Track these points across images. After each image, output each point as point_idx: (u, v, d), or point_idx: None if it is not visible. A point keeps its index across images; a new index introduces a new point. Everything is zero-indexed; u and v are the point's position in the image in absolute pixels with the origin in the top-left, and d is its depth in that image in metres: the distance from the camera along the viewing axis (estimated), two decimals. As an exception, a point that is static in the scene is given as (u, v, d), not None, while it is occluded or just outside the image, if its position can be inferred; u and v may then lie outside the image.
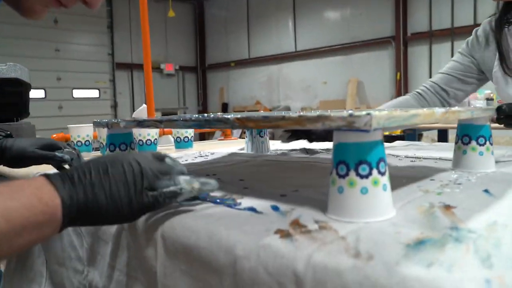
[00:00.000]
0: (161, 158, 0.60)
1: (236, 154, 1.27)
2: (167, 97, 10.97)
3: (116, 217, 0.54)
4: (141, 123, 0.86)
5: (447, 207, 0.57)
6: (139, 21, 9.79)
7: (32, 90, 1.91)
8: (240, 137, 4.07)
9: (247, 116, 0.64)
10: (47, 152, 0.95)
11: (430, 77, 6.91)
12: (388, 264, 0.38)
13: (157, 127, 0.85)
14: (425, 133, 5.98)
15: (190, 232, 0.54)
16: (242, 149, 1.40)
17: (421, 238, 0.44)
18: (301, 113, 0.57)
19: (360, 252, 0.41)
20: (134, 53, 10.78)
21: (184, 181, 0.58)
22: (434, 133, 4.52)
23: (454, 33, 7.35)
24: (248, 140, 1.32)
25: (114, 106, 10.68)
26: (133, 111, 11.07)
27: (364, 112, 0.51)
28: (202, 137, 7.82)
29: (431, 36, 7.74)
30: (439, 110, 0.68)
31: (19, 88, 1.77)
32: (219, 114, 0.72)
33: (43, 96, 9.08)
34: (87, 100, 10.07)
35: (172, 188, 0.56)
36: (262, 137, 1.31)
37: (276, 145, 1.49)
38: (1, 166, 0.98)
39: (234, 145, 1.64)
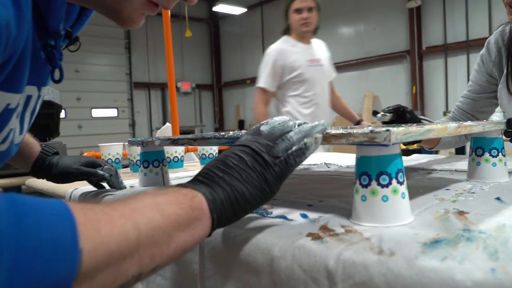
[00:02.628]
0: (257, 132, 0.60)
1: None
2: (184, 115, 11.15)
3: (260, 198, 0.56)
4: (175, 141, 0.93)
5: (461, 213, 0.63)
6: (156, 41, 9.92)
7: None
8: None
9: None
10: (89, 169, 1.03)
11: (447, 90, 6.87)
12: (408, 258, 0.44)
13: (191, 145, 0.92)
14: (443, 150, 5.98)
15: (229, 237, 0.61)
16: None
17: (436, 238, 0.51)
18: (327, 130, 0.64)
19: (383, 250, 0.48)
20: (151, 73, 11.01)
21: (296, 136, 0.59)
22: (452, 150, 4.53)
23: (469, 46, 7.38)
24: (271, 156, 1.39)
25: (132, 125, 10.89)
26: (151, 129, 11.24)
27: (383, 129, 0.57)
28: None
29: (446, 49, 7.79)
30: (452, 125, 0.74)
31: (51, 110, 1.88)
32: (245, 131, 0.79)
33: (64, 116, 9.30)
34: (106, 119, 10.30)
35: (296, 147, 0.58)
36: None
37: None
38: (47, 181, 1.06)
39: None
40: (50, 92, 1.87)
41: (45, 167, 1.04)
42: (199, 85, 12.00)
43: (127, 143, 1.50)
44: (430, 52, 8.05)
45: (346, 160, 1.48)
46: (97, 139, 8.93)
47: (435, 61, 8.05)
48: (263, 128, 0.60)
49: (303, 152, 0.59)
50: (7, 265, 0.33)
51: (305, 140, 0.59)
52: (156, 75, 11.01)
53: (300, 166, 1.37)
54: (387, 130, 0.57)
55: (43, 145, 1.06)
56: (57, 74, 0.68)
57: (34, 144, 1.04)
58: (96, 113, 10.20)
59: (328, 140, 0.63)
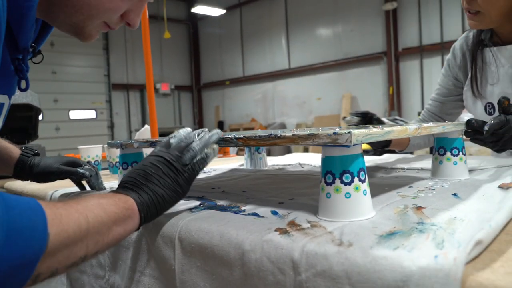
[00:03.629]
0: (167, 144, 0.75)
1: (237, 170, 1.38)
2: (164, 117, 11.11)
3: (175, 198, 0.72)
4: (154, 144, 0.97)
5: (419, 208, 0.69)
6: (134, 43, 9.84)
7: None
8: (237, 154, 4.19)
9: (248, 136, 0.75)
10: (69, 168, 1.06)
11: (422, 90, 7.00)
12: (364, 248, 0.49)
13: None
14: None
15: (204, 233, 0.65)
16: (242, 165, 1.51)
17: (392, 231, 0.56)
18: (295, 132, 0.69)
19: (343, 242, 0.53)
20: (130, 74, 10.94)
21: (198, 147, 0.75)
22: (427, 149, 4.63)
23: (443, 47, 7.56)
24: (247, 157, 1.43)
25: (111, 127, 10.81)
26: (130, 131, 11.15)
27: (345, 131, 0.62)
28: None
29: (422, 50, 7.96)
30: (411, 127, 0.79)
31: (30, 112, 1.88)
32: (223, 133, 0.83)
33: (40, 118, 9.19)
34: (84, 121, 10.19)
35: (199, 157, 0.74)
36: (260, 153, 1.43)
37: (273, 161, 1.60)
38: (29, 181, 1.09)
39: (233, 161, 1.75)
40: (28, 95, 1.87)
41: (26, 168, 1.06)
42: (178, 86, 11.98)
43: (106, 145, 1.53)
44: (406, 54, 8.22)
45: (319, 160, 1.54)
46: (75, 141, 8.85)
47: (411, 62, 8.22)
48: (172, 141, 0.76)
49: (205, 160, 0.75)
50: (0, 241, 0.46)
51: (206, 150, 0.75)
52: (134, 76, 10.96)
53: (275, 167, 1.42)
54: (349, 132, 0.62)
55: (23, 147, 1.08)
56: (23, 84, 0.77)
57: (13, 148, 1.07)
58: (74, 115, 10.10)
59: (296, 141, 0.68)
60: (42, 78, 9.11)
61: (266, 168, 1.41)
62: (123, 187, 0.69)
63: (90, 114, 10.42)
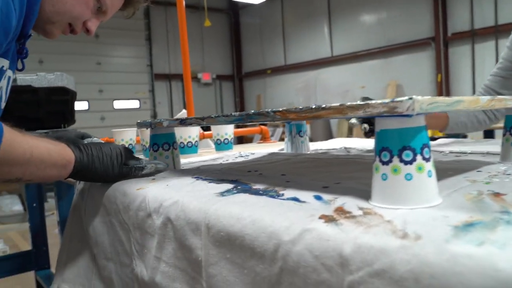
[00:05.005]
0: (130, 150, 0.95)
1: (276, 154, 1.27)
2: (205, 106, 11.12)
3: (103, 178, 0.90)
4: (183, 122, 0.88)
5: (497, 194, 0.56)
6: (176, 32, 9.94)
7: (76, 102, 1.98)
8: (280, 140, 4.07)
9: (287, 108, 0.64)
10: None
11: (473, 78, 6.69)
12: (437, 242, 0.38)
13: (199, 125, 0.86)
14: (469, 135, 5.80)
15: (235, 220, 0.55)
16: (282, 149, 1.40)
17: (470, 221, 0.44)
18: (343, 103, 0.57)
19: (408, 233, 0.41)
20: (172, 64, 11.00)
21: (146, 162, 0.94)
22: (480, 135, 4.36)
23: (498, 31, 7.10)
24: (288, 140, 1.33)
25: (154, 116, 10.92)
26: (173, 120, 11.30)
27: (406, 97, 0.50)
28: (240, 142, 7.88)
29: (474, 35, 7.52)
30: (484, 98, 0.66)
31: (65, 96, 1.84)
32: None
33: (87, 107, 9.40)
34: (127, 111, 10.34)
35: (139, 165, 0.92)
36: (301, 136, 1.31)
37: (315, 145, 1.48)
38: None
39: (273, 147, 1.64)
40: (64, 78, 1.83)
41: None
42: (219, 75, 11.95)
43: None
44: (456, 39, 7.80)
45: (367, 144, 1.41)
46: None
47: (462, 48, 7.79)
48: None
49: (141, 169, 0.93)
50: None
51: (148, 164, 0.94)
52: (176, 66, 11.00)
53: (319, 151, 1.30)
54: (410, 98, 0.50)
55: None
56: (19, 64, 0.96)
57: None
58: (118, 104, 10.26)
59: (344, 112, 0.56)
60: (88, 69, 9.31)
61: (308, 152, 1.30)
62: (76, 146, 0.87)
63: (134, 103, 10.56)
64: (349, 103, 0.55)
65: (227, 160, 1.20)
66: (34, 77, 1.76)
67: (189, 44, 2.34)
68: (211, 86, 11.84)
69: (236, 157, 1.26)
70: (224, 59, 12.25)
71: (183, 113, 2.03)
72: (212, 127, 1.56)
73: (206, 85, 11.67)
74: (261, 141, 2.15)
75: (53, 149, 0.80)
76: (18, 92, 1.77)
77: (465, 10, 7.63)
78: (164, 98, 11.15)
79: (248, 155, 1.29)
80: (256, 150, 1.44)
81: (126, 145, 1.55)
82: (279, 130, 9.84)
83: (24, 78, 1.75)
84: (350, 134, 9.12)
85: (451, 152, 1.09)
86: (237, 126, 1.88)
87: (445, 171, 0.77)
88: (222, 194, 0.68)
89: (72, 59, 8.90)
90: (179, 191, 0.74)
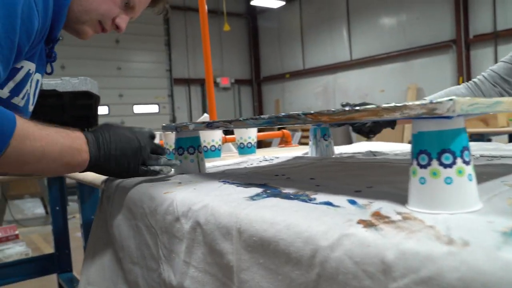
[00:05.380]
0: (153, 136, 0.96)
1: (301, 157, 1.26)
2: (223, 111, 11.15)
3: (117, 176, 0.94)
4: (210, 125, 0.87)
5: (540, 199, 0.54)
6: (195, 38, 10.04)
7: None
8: (299, 143, 4.03)
9: (319, 111, 0.63)
10: None
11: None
12: (488, 249, 0.36)
13: (226, 128, 0.86)
14: (494, 138, 5.68)
15: (268, 224, 0.54)
16: (306, 153, 1.39)
17: (517, 227, 0.42)
18: (378, 104, 0.56)
19: (453, 239, 0.39)
20: (191, 69, 11.08)
21: (164, 163, 0.93)
22: (504, 138, 4.27)
23: (521, 33, 6.97)
24: (312, 144, 1.31)
25: (173, 120, 10.99)
26: (191, 124, 11.35)
27: (446, 98, 0.49)
28: (259, 146, 7.86)
29: (496, 37, 7.39)
30: (524, 99, 0.64)
31: (89, 100, 1.86)
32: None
33: (107, 112, 9.51)
34: (147, 115, 10.43)
35: (156, 168, 0.92)
36: (326, 140, 1.30)
37: (339, 149, 1.46)
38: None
39: (297, 151, 1.63)
40: (88, 82, 1.84)
41: None
42: (238, 80, 11.98)
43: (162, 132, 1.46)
44: (478, 41, 7.67)
45: (392, 148, 1.38)
46: (139, 135, 9.09)
47: (484, 50, 7.67)
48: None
49: (157, 173, 0.93)
50: None
51: (164, 168, 0.94)
52: (195, 71, 11.07)
53: (344, 155, 1.29)
54: (451, 99, 0.48)
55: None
56: (48, 68, 0.98)
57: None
58: (138, 109, 10.36)
59: (380, 114, 0.55)
60: (108, 74, 9.43)
61: (333, 156, 1.28)
62: (96, 138, 0.86)
63: (153, 108, 10.65)
64: (385, 105, 0.54)
65: (251, 164, 1.19)
66: (58, 82, 1.77)
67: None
68: (229, 91, 11.88)
69: (261, 161, 1.25)
70: (243, 63, 12.29)
71: (205, 117, 2.03)
72: (235, 130, 1.55)
73: (225, 90, 11.71)
74: (283, 145, 2.14)
75: (66, 149, 0.80)
76: (43, 97, 1.79)
77: (487, 11, 7.51)
78: (183, 103, 11.22)
79: (272, 159, 1.28)
80: (280, 154, 1.43)
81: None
82: (298, 134, 9.80)
83: (49, 83, 1.77)
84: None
85: (482, 156, 1.06)
86: (259, 130, 1.86)
87: (479, 175, 0.74)
88: (252, 198, 0.67)
89: (93, 64, 9.04)
90: (207, 195, 0.74)
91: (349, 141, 9.40)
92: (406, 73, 8.74)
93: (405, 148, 1.39)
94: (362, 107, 0.57)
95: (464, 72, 7.84)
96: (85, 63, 8.81)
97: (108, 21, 0.98)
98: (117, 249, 1.00)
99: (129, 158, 0.88)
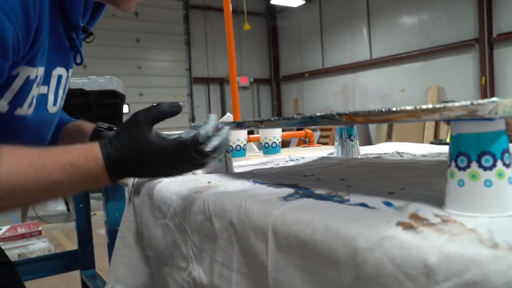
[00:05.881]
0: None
1: (328, 158, 1.26)
2: (243, 110, 11.06)
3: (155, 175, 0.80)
4: (241, 125, 0.87)
5: None
6: (214, 37, 10.07)
7: (122, 105, 2.03)
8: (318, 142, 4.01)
9: (354, 111, 0.63)
10: None
11: (521, 80, 6.39)
12: (536, 254, 0.36)
13: (257, 128, 0.86)
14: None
15: (304, 225, 0.54)
16: (331, 153, 1.38)
17: None
18: (416, 105, 0.56)
19: (498, 243, 0.39)
20: (210, 68, 11.14)
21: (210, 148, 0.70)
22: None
23: (547, 31, 6.82)
24: (338, 144, 1.31)
25: (192, 119, 11.06)
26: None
27: (488, 100, 0.48)
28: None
29: (521, 36, 7.25)
30: None
31: (115, 99, 1.89)
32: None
33: (127, 111, 9.60)
34: (166, 114, 10.52)
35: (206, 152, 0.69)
36: (352, 140, 1.29)
37: (365, 149, 1.46)
38: None
39: (322, 151, 1.63)
40: (114, 81, 1.87)
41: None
42: (257, 79, 12.00)
43: (190, 129, 1.47)
44: (502, 40, 7.53)
45: (419, 149, 1.37)
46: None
47: (508, 49, 7.52)
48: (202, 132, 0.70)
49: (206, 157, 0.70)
50: None
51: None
52: (215, 70, 11.13)
53: (370, 155, 1.28)
54: (493, 101, 0.47)
55: (97, 123, 1.08)
56: (78, 58, 0.89)
57: (88, 126, 1.11)
58: (157, 108, 10.45)
59: (417, 115, 0.54)
60: (129, 73, 9.54)
61: (359, 156, 1.28)
62: (123, 161, 0.68)
63: (173, 107, 10.73)
64: (424, 106, 0.53)
65: (277, 164, 1.19)
66: (85, 81, 1.81)
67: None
68: (248, 90, 11.90)
69: (287, 161, 1.26)
70: (262, 62, 12.30)
71: (227, 117, 2.04)
72: (260, 130, 1.56)
73: (244, 89, 11.74)
74: (306, 145, 2.14)
75: (76, 183, 0.66)
76: (70, 95, 1.82)
77: (511, 9, 7.36)
78: (202, 102, 11.29)
79: (298, 159, 1.28)
80: (305, 154, 1.43)
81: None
82: (317, 133, 9.77)
83: (76, 82, 1.80)
84: (389, 138, 8.96)
85: None
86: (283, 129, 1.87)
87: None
88: (286, 198, 0.67)
89: (114, 63, 9.16)
90: (239, 194, 0.74)
91: (369, 142, 9.33)
92: (427, 73, 8.64)
93: (430, 149, 1.38)
94: (400, 108, 0.56)
95: (487, 72, 7.71)
96: (107, 62, 8.93)
97: None
98: (146, 248, 1.01)
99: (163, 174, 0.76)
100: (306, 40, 11.33)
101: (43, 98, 0.83)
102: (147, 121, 0.71)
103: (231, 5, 2.29)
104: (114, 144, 0.68)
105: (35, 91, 0.79)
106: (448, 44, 8.22)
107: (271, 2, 10.60)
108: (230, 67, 2.21)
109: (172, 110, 0.75)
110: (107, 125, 1.08)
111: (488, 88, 7.72)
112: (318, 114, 0.67)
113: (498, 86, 7.71)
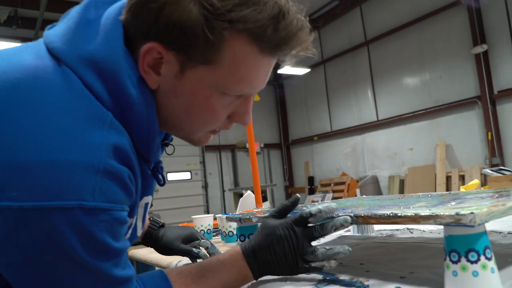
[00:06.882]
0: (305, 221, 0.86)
1: (346, 237, 1.41)
2: (255, 174, 11.34)
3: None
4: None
5: (552, 285, 0.68)
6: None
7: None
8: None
9: (368, 215, 0.80)
10: (186, 248, 1.17)
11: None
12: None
13: (287, 222, 1.03)
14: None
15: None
16: (348, 230, 1.53)
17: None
18: (415, 211, 0.73)
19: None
20: (221, 135, 11.43)
21: (322, 254, 0.83)
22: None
23: (545, 87, 7.07)
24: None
25: (205, 187, 11.23)
26: (223, 190, 11.49)
27: (468, 211, 0.65)
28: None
29: (521, 92, 7.50)
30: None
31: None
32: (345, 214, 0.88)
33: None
34: (180, 182, 10.71)
35: (317, 265, 0.84)
36: (366, 219, 1.45)
37: (379, 226, 1.60)
38: (153, 250, 1.22)
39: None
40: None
41: (152, 240, 1.22)
42: (267, 144, 12.29)
43: (218, 215, 1.64)
44: (503, 96, 7.79)
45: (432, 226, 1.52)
46: (173, 201, 9.36)
47: (510, 105, 7.76)
48: (311, 220, 0.86)
49: (314, 270, 0.85)
50: None
51: (324, 263, 0.84)
52: (226, 137, 11.44)
53: (383, 232, 1.43)
54: (472, 213, 0.64)
55: (151, 218, 1.23)
56: (160, 180, 0.92)
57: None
58: (171, 176, 10.67)
59: (417, 221, 0.71)
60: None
61: (374, 234, 1.43)
62: (256, 266, 0.85)
63: (185, 175, 10.94)
64: (422, 213, 0.71)
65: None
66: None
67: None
68: (259, 155, 12.15)
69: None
70: (271, 128, 12.64)
71: (248, 195, 2.21)
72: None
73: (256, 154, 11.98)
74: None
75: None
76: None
77: (509, 67, 7.67)
78: (215, 169, 11.51)
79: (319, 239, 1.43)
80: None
81: (205, 230, 1.73)
82: (329, 195, 9.88)
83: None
84: (401, 191, 9.04)
85: (509, 233, 1.19)
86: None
87: (505, 257, 0.88)
88: (316, 286, 0.83)
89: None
90: (274, 281, 0.89)
91: (380, 193, 9.39)
92: (434, 131, 8.85)
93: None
94: (403, 214, 0.74)
95: (492, 128, 7.90)
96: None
97: (219, 126, 0.83)
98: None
99: (288, 266, 0.85)
100: (313, 104, 11.70)
101: (134, 228, 0.86)
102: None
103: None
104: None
105: (132, 221, 0.83)
106: (452, 103, 8.48)
107: (278, 72, 11.09)
108: (249, 138, 2.42)
109: (296, 202, 0.92)
110: (160, 223, 1.23)
111: (495, 142, 7.87)
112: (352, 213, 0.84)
113: (504, 140, 7.87)
